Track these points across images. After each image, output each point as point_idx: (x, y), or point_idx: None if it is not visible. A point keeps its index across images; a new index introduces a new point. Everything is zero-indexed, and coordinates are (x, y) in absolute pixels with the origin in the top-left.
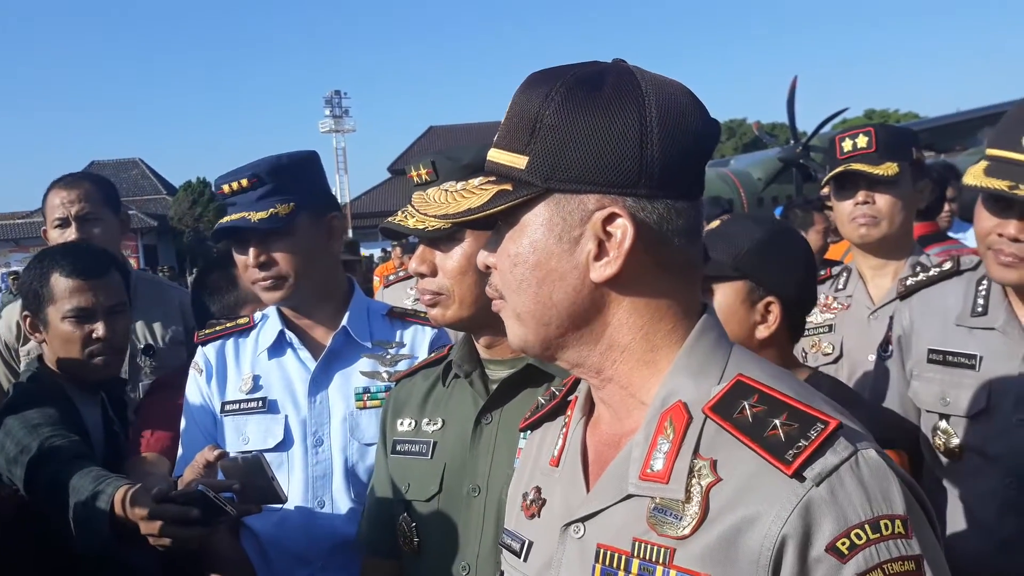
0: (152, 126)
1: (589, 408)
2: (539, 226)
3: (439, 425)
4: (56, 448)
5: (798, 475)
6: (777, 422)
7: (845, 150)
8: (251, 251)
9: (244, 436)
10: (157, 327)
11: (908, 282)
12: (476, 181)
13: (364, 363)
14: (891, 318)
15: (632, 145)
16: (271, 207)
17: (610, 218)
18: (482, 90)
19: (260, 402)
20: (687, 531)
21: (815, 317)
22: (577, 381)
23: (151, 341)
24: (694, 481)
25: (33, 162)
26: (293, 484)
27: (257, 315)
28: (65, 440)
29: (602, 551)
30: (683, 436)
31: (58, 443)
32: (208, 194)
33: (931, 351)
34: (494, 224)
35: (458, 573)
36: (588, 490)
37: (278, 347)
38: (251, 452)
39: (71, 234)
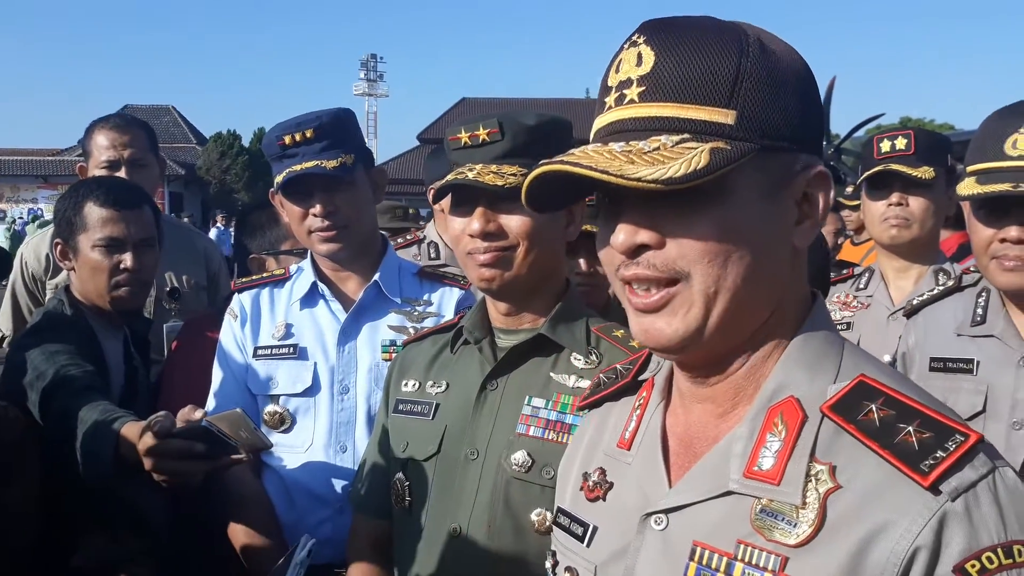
0: (187, 75)
1: (667, 393)
2: (751, 188)
3: (443, 388)
4: (70, 377)
5: (934, 488)
6: (910, 428)
7: (883, 151)
8: (319, 200)
9: (274, 380)
10: (182, 271)
11: (915, 301)
12: (664, 139)
13: (392, 317)
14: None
15: (816, 101)
16: (338, 157)
17: (814, 179)
18: (515, 65)
19: (291, 348)
20: (801, 539)
21: (834, 314)
22: (647, 360)
23: (176, 284)
24: (810, 486)
25: (64, 100)
26: (318, 429)
27: (292, 267)
28: (80, 371)
29: (699, 549)
30: (797, 436)
31: (73, 373)
32: (237, 147)
33: (933, 360)
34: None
35: (449, 534)
36: (670, 480)
37: (311, 298)
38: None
39: (122, 175)
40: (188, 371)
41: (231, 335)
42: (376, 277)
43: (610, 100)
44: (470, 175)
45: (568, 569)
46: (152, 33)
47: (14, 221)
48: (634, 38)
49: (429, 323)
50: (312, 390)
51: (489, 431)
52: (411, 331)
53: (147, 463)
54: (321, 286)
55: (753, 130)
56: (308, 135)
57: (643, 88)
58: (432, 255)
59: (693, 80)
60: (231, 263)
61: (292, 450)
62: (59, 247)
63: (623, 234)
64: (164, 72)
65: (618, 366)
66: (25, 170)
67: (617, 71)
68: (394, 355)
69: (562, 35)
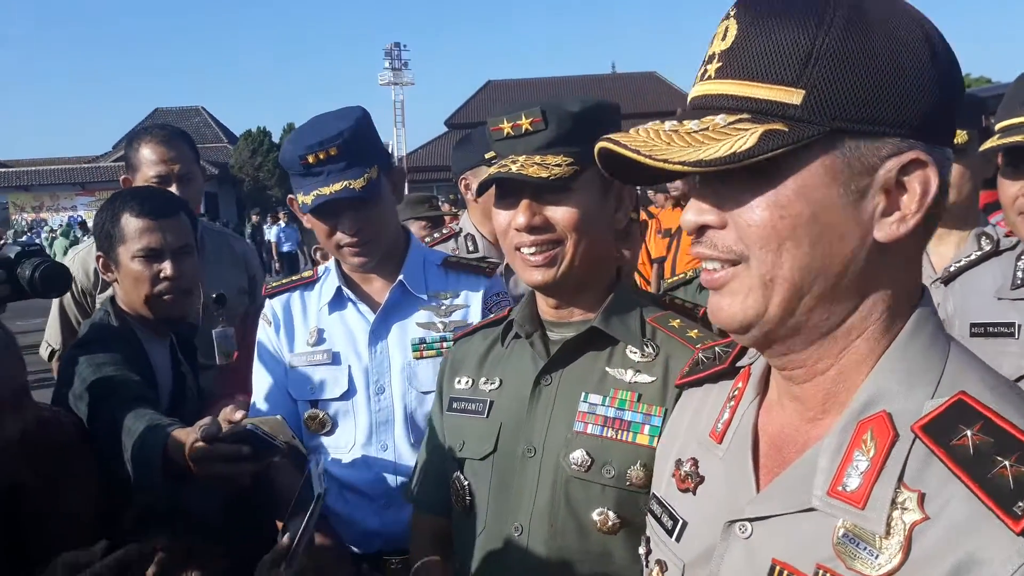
0: (214, 75)
1: (763, 387)
2: (818, 174)
3: (496, 384)
4: (117, 388)
5: None
6: (1006, 463)
7: None
8: (348, 219)
9: (312, 386)
10: (226, 277)
11: (951, 268)
12: (719, 120)
13: (420, 315)
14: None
15: (928, 79)
16: (364, 173)
17: (908, 166)
18: (540, 44)
19: (325, 354)
20: (884, 571)
21: None
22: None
23: (222, 291)
24: (896, 515)
25: (98, 108)
26: (358, 430)
27: (320, 268)
28: (126, 381)
29: (778, 568)
30: (886, 456)
31: (119, 384)
32: (267, 143)
33: (973, 325)
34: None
35: (510, 533)
36: (758, 485)
37: (338, 302)
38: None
39: (173, 191)
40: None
41: (268, 340)
42: (401, 277)
43: (698, 75)
44: (513, 168)
45: (659, 562)
46: (177, 34)
47: (53, 230)
48: (729, 10)
49: (457, 316)
50: (349, 393)
51: (545, 427)
52: (439, 327)
53: (196, 468)
54: (346, 290)
55: (824, 112)
56: (332, 153)
57: (720, 64)
58: (470, 248)
59: (762, 56)
60: (296, 256)
61: (336, 450)
62: (101, 260)
63: (690, 213)
64: (192, 73)
65: (716, 347)
66: (63, 179)
67: (711, 44)
68: (424, 353)
69: (585, 10)
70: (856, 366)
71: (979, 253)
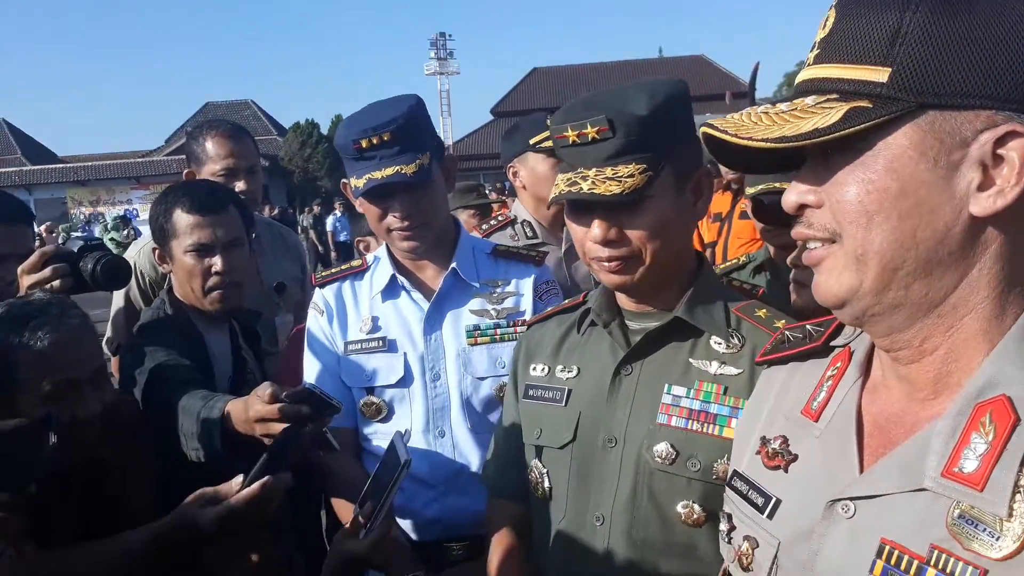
0: (263, 68)
1: (866, 368)
2: (906, 149)
3: (574, 373)
4: (168, 373)
5: None
6: None
7: None
8: (398, 203)
9: (368, 373)
10: (283, 266)
11: None
12: (809, 101)
13: (473, 302)
14: None
15: (1021, 48)
16: (416, 159)
17: (1005, 138)
18: (586, 31)
19: (380, 341)
20: (1005, 553)
21: None
22: (841, 325)
23: (281, 280)
24: (1019, 498)
25: (151, 104)
26: (415, 416)
27: (370, 257)
28: (177, 366)
29: (888, 548)
30: (1006, 440)
31: (170, 369)
32: (316, 135)
33: None
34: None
35: (591, 523)
36: (861, 465)
37: (391, 290)
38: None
39: (240, 186)
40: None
41: (319, 329)
42: (453, 264)
43: (805, 63)
44: (584, 186)
45: (748, 538)
46: (226, 29)
47: (107, 224)
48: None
49: (509, 303)
50: (405, 380)
51: (626, 418)
52: (492, 314)
53: (259, 429)
54: (400, 278)
55: (911, 88)
56: (385, 138)
57: (818, 52)
58: (529, 234)
59: (853, 40)
60: (351, 246)
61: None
62: (157, 252)
63: (791, 193)
64: (240, 67)
65: (808, 326)
66: (118, 173)
67: (817, 34)
68: (478, 340)
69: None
70: (966, 346)
71: None
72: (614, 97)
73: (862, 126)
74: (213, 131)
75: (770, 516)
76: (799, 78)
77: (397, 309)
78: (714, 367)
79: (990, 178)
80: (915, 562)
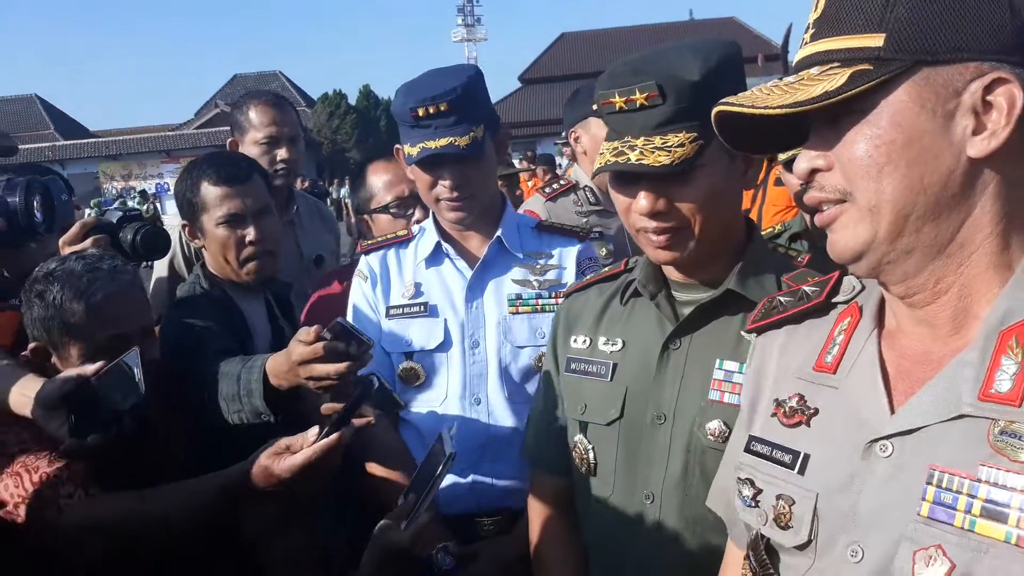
0: (290, 39)
1: (879, 320)
2: (906, 103)
3: (619, 346)
4: (202, 346)
5: None
6: None
7: None
8: (448, 173)
9: (407, 337)
10: (321, 239)
11: None
12: (813, 71)
13: (516, 271)
14: None
15: (1005, 4)
16: (470, 132)
17: (992, 85)
18: None
19: (422, 307)
20: None
21: None
22: (838, 283)
23: (320, 252)
24: None
25: (180, 77)
26: (451, 382)
27: (415, 228)
28: (212, 337)
29: (937, 473)
30: None
31: (206, 340)
32: (344, 106)
33: None
34: (831, 115)
35: (640, 501)
36: (891, 406)
37: (435, 257)
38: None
39: (283, 154)
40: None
41: (362, 296)
42: (499, 233)
43: (800, 44)
44: (632, 156)
45: (781, 497)
46: (252, 1)
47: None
48: None
49: (551, 275)
50: (444, 345)
51: (675, 394)
52: (535, 284)
53: (303, 373)
54: (445, 245)
55: (906, 48)
56: (442, 108)
57: (813, 31)
58: (591, 200)
59: (846, 13)
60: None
61: (428, 404)
62: (187, 228)
63: (802, 160)
64: (268, 39)
65: (805, 288)
66: (149, 147)
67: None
68: (519, 309)
69: None
70: (978, 281)
71: None
72: (664, 61)
73: (866, 85)
74: (256, 100)
75: (801, 471)
76: (798, 57)
77: (440, 276)
78: None
79: (982, 123)
80: (967, 481)
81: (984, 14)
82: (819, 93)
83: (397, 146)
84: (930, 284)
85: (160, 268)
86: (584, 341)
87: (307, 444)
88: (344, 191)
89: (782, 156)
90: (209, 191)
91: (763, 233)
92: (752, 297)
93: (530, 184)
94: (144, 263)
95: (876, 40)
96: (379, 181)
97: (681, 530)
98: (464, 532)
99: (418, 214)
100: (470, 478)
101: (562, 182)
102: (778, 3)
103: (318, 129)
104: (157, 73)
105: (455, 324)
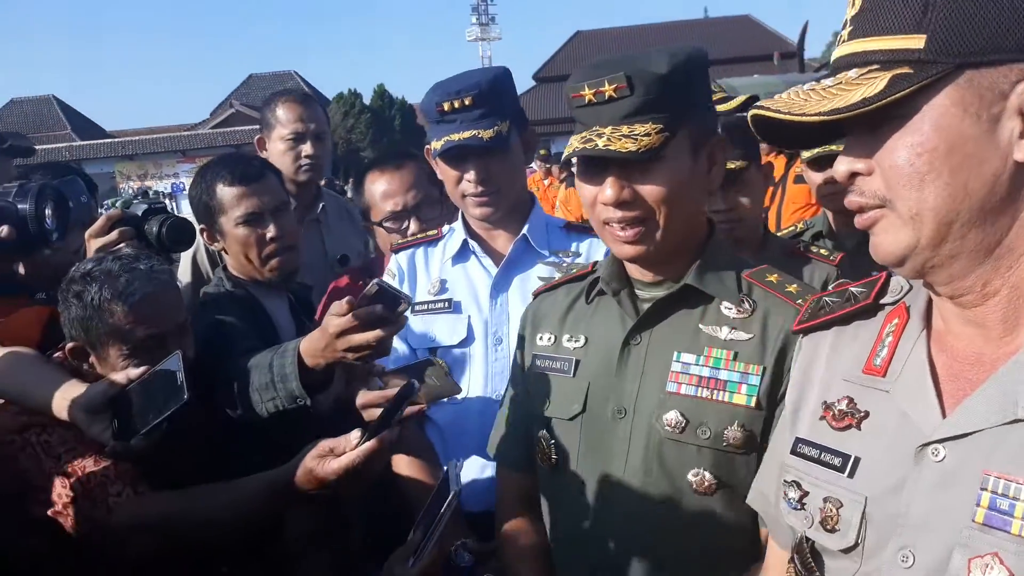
0: (305, 39)
1: (927, 321)
2: (948, 108)
3: (581, 343)
4: (228, 347)
5: None
6: None
7: None
8: (473, 166)
9: (431, 333)
10: (348, 239)
11: None
12: (852, 74)
13: (541, 268)
14: None
15: None
16: (495, 125)
17: None
18: None
19: (446, 303)
20: None
21: None
22: (886, 283)
23: (345, 252)
24: None
25: (195, 78)
26: (474, 378)
27: (445, 227)
28: (239, 339)
29: (992, 478)
30: None
31: (232, 341)
32: (359, 106)
33: None
34: (874, 121)
35: (602, 494)
36: (943, 409)
37: (462, 254)
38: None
39: (307, 149)
40: None
41: None
42: (524, 230)
43: (837, 42)
44: (599, 142)
45: (828, 499)
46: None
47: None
48: None
49: None
50: (467, 341)
51: (636, 389)
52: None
53: (340, 345)
54: (472, 243)
55: (948, 50)
56: (467, 103)
57: (851, 28)
58: None
59: (885, 12)
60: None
61: (451, 400)
62: (205, 232)
63: (842, 163)
64: (283, 38)
65: (852, 288)
66: (165, 147)
67: (846, 14)
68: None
69: None
70: None
71: None
72: (633, 57)
73: (907, 90)
74: (284, 96)
75: (851, 475)
76: (835, 55)
77: (466, 272)
78: (724, 332)
79: None
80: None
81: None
82: (857, 100)
83: (427, 146)
84: (978, 287)
85: (184, 272)
86: (549, 338)
87: (350, 447)
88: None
89: (806, 153)
90: (225, 192)
91: (784, 232)
92: (709, 291)
93: (546, 183)
94: (170, 255)
95: (917, 42)
96: (376, 192)
97: (644, 523)
98: (483, 529)
99: (413, 226)
100: (488, 475)
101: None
102: (793, 1)
103: (333, 128)
104: (173, 73)
105: (479, 321)
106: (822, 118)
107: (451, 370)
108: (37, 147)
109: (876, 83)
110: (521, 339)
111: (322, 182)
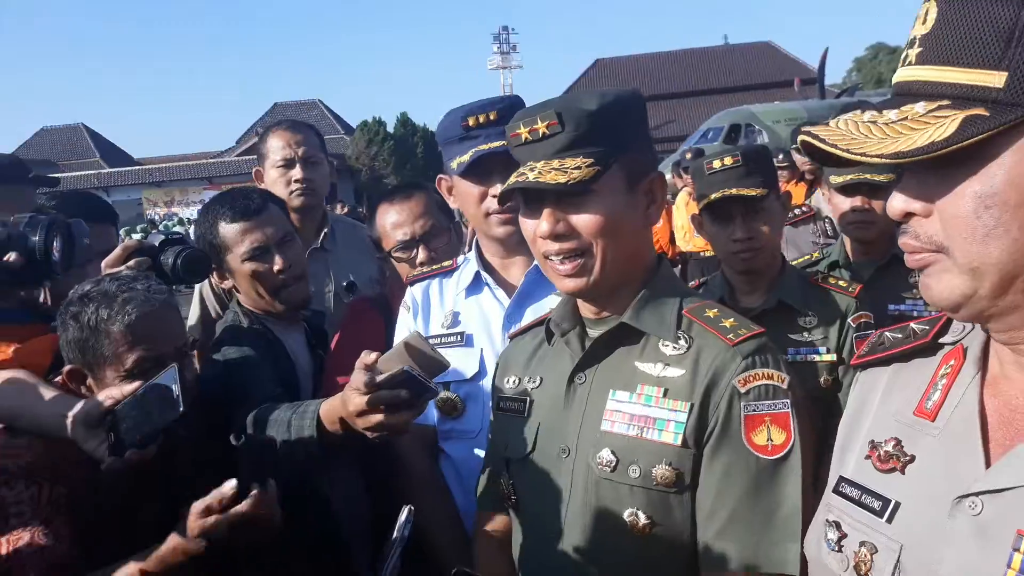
0: (330, 68)
1: (983, 363)
2: (1022, 157)
3: (537, 383)
4: (252, 391)
5: None
6: None
7: None
8: (500, 181)
9: None
10: (358, 267)
11: None
12: (919, 108)
13: (553, 300)
14: None
15: None
16: None
17: None
18: (649, 20)
19: (458, 336)
20: None
21: None
22: (947, 322)
23: (352, 279)
24: None
25: (222, 106)
26: (486, 414)
27: (460, 258)
28: (258, 384)
29: None
30: None
31: (252, 387)
32: (383, 133)
33: None
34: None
35: (550, 535)
36: (987, 460)
37: (475, 286)
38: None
39: (296, 174)
40: (356, 349)
41: (405, 327)
42: (536, 262)
43: (901, 60)
44: (530, 176)
45: (864, 544)
46: (294, 30)
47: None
48: None
49: None
50: (479, 375)
51: (578, 427)
52: None
53: (361, 423)
54: (484, 275)
55: None
56: (492, 117)
57: (920, 49)
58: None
59: (964, 39)
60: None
61: (464, 436)
62: (215, 273)
63: (895, 200)
64: (308, 68)
65: (912, 325)
66: (191, 174)
67: (912, 28)
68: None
69: None
70: None
71: None
72: (566, 97)
73: (980, 136)
74: (275, 126)
75: (889, 520)
76: (900, 77)
77: (479, 305)
78: (658, 369)
79: None
80: None
81: None
82: (924, 144)
83: (441, 176)
84: None
85: (192, 311)
86: (514, 381)
87: (225, 499)
88: None
89: (836, 179)
90: (228, 230)
91: (800, 261)
92: (644, 328)
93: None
94: (185, 286)
95: (996, 79)
96: (386, 222)
97: (586, 564)
98: None
99: (422, 255)
100: None
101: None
102: (813, 27)
103: (356, 156)
104: (200, 102)
105: (491, 354)
106: (884, 161)
107: (465, 404)
108: (67, 174)
109: (946, 125)
110: (492, 383)
111: (345, 210)
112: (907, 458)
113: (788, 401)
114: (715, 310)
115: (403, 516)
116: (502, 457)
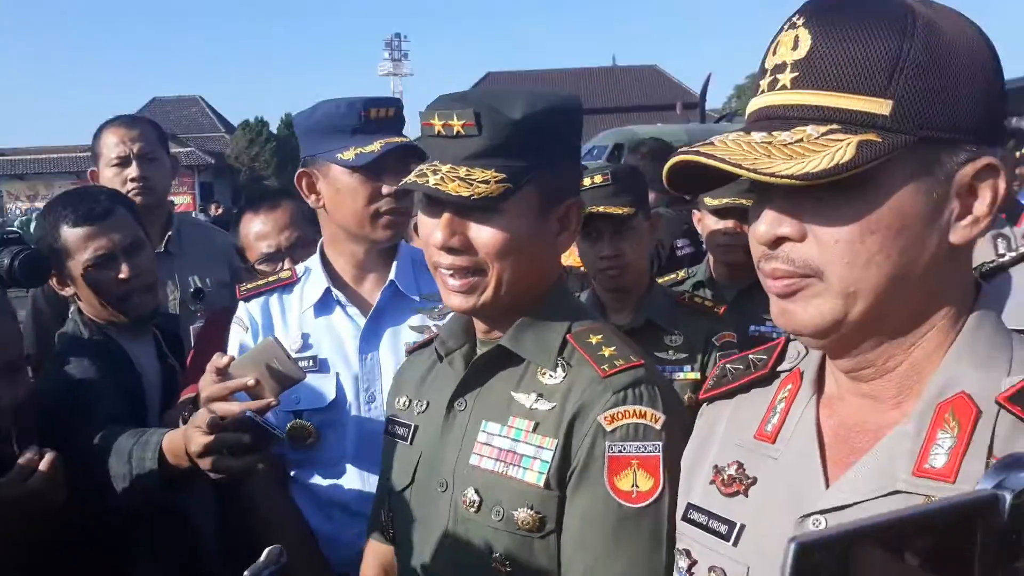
0: (212, 64)
1: (819, 385)
2: (904, 183)
3: (424, 407)
4: (91, 411)
5: None
6: None
7: None
8: (390, 181)
9: (295, 395)
10: (205, 271)
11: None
12: (810, 130)
13: (413, 318)
14: None
15: (992, 83)
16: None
17: (982, 171)
18: (541, 37)
19: (311, 361)
20: None
21: None
22: (783, 351)
23: (199, 284)
24: None
25: (97, 97)
26: (347, 442)
27: (300, 268)
28: (100, 402)
29: None
30: (971, 432)
31: (94, 406)
32: (265, 133)
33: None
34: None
35: (424, 573)
36: (826, 478)
37: (325, 305)
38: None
39: (132, 172)
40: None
41: (240, 347)
42: (392, 276)
43: (764, 84)
44: (432, 179)
45: (713, 569)
46: (175, 23)
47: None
48: (794, 19)
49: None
50: (337, 403)
51: (455, 458)
52: (434, 330)
53: (202, 464)
54: (336, 292)
55: (911, 121)
56: (390, 114)
57: (796, 74)
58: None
59: (848, 66)
60: None
61: (323, 464)
62: (54, 278)
63: (764, 224)
64: (189, 63)
65: (750, 355)
66: (59, 168)
67: (774, 54)
68: None
69: (586, 2)
70: (927, 358)
71: (1013, 255)
72: (492, 96)
73: (876, 161)
74: (108, 123)
75: (735, 543)
76: (771, 101)
77: (330, 325)
78: (531, 400)
79: (966, 208)
80: None
81: (979, 93)
82: (829, 166)
83: (304, 170)
84: (880, 362)
85: (26, 323)
86: (404, 402)
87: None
88: None
89: (713, 202)
90: (70, 234)
91: (666, 280)
92: (524, 355)
93: None
94: (24, 290)
95: (882, 107)
96: (250, 232)
97: None
98: None
99: (287, 267)
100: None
101: None
102: (699, 53)
103: (236, 156)
104: (72, 92)
105: (348, 378)
106: (797, 182)
107: (321, 434)
108: None
109: (844, 149)
110: (387, 403)
111: (219, 210)
112: (749, 480)
113: (660, 444)
114: (600, 335)
115: (264, 557)
116: (383, 485)
